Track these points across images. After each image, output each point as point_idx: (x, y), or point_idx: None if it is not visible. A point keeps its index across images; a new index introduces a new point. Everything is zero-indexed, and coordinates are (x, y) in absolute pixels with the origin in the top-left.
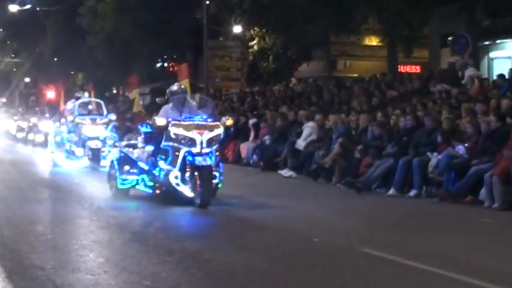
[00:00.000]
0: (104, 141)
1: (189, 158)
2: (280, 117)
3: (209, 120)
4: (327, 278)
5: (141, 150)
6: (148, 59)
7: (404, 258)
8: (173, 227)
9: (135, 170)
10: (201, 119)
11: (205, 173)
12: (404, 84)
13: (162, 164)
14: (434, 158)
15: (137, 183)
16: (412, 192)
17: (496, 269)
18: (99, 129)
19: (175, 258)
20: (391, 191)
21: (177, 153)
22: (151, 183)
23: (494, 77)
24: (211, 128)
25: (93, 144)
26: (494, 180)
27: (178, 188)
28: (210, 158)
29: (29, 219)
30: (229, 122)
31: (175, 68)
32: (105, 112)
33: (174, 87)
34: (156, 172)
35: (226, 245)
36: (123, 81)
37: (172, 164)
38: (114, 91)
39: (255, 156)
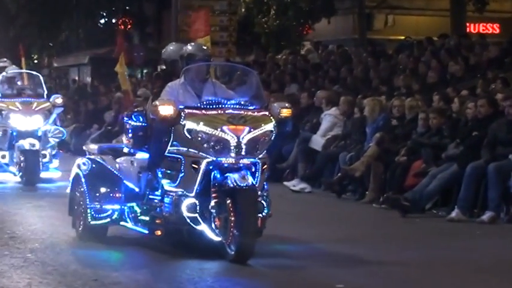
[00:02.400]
0: (43, 140)
1: (216, 174)
2: (287, 101)
3: (251, 107)
4: None
5: (128, 160)
6: (86, 12)
7: None
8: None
9: (117, 195)
10: (238, 106)
11: (245, 200)
12: (476, 52)
13: (166, 184)
14: None
15: (121, 217)
16: (487, 215)
17: None
18: (36, 119)
19: None
20: (455, 213)
21: (194, 165)
22: (146, 218)
23: None
24: (254, 122)
25: (26, 144)
26: None
27: (197, 227)
28: (253, 174)
29: None
30: (286, 111)
31: (129, 27)
32: (45, 92)
33: (188, 47)
34: (155, 198)
35: None
36: (49, 45)
37: (186, 184)
38: (36, 60)
39: None
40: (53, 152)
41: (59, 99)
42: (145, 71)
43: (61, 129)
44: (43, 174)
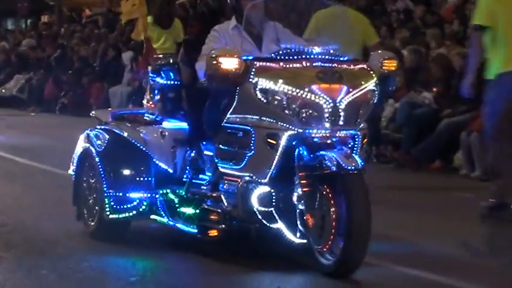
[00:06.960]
0: None
1: (303, 152)
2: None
3: (344, 58)
4: None
5: (157, 130)
6: None
7: None
8: None
9: (147, 178)
10: (327, 57)
11: (354, 190)
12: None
13: (223, 165)
14: (389, 107)
15: (151, 209)
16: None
17: (476, 263)
18: None
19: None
20: None
21: (271, 140)
22: (189, 210)
23: None
24: (353, 79)
25: None
26: (473, 139)
27: (272, 226)
28: (356, 151)
29: None
30: (390, 63)
31: None
32: None
33: None
34: (202, 184)
35: None
36: None
37: (256, 166)
38: None
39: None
40: None
41: None
42: (29, 21)
43: None
44: None
